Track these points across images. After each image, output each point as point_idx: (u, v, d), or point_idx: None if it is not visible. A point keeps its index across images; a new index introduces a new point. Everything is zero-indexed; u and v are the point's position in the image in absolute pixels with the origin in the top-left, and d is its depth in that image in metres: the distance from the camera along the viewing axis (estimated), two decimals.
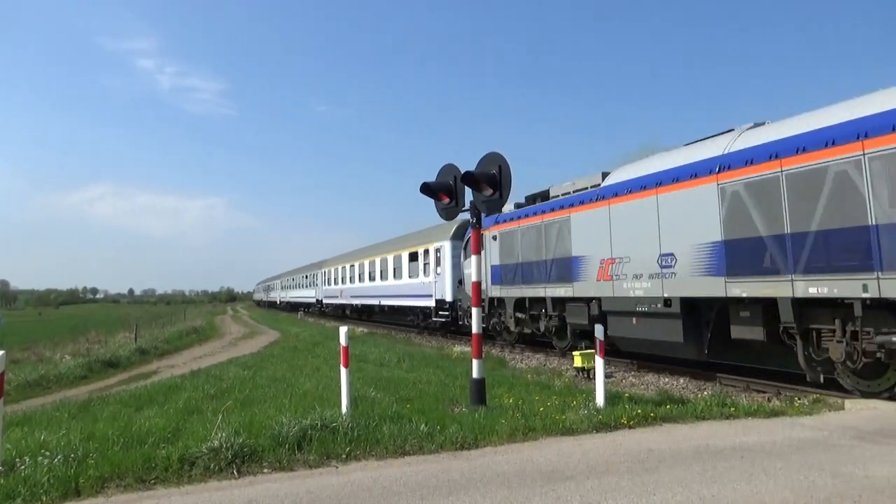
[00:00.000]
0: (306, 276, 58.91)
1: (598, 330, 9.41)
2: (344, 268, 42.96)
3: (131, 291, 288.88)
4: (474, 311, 9.57)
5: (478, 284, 9.63)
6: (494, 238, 19.35)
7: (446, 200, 10.07)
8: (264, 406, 9.38)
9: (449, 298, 24.13)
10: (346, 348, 8.44)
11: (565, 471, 5.97)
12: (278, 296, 79.08)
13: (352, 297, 40.50)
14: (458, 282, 23.14)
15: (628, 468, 6.01)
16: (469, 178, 9.34)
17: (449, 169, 10.10)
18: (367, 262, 36.93)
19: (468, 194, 9.75)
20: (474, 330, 9.49)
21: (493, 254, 19.37)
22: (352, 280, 40.33)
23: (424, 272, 26.89)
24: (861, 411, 8.78)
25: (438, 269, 25.12)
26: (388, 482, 5.71)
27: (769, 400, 10.00)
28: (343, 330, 8.58)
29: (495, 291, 19.21)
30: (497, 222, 19.21)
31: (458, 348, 19.14)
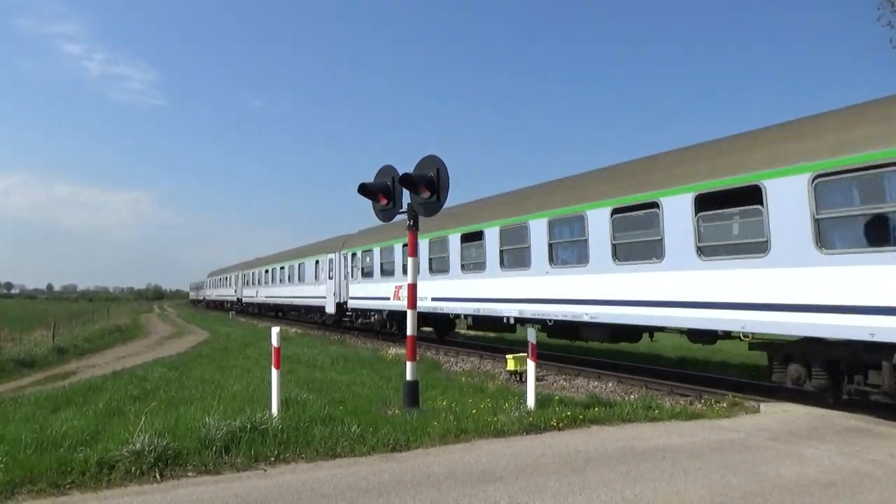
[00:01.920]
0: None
1: (531, 333, 9.58)
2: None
3: (50, 287, 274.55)
4: (409, 313, 9.57)
5: (413, 286, 9.64)
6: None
7: (384, 202, 10.04)
8: (191, 408, 9.08)
9: None
10: (279, 349, 8.30)
11: (495, 472, 6.05)
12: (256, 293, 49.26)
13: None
14: None
15: (556, 469, 6.15)
16: (407, 180, 9.35)
17: (387, 170, 10.07)
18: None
19: (405, 196, 9.77)
20: (409, 332, 9.50)
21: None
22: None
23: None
24: (774, 414, 9.25)
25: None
26: (317, 484, 5.64)
27: (691, 403, 10.41)
28: (275, 330, 8.44)
29: None
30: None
31: (393, 350, 19.09)
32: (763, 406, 9.77)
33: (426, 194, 9.35)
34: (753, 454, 6.78)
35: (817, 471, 6.11)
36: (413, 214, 9.67)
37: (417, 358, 9.53)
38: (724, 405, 9.93)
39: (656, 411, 9.07)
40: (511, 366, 13.39)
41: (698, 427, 8.30)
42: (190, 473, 6.03)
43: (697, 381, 12.63)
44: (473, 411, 8.60)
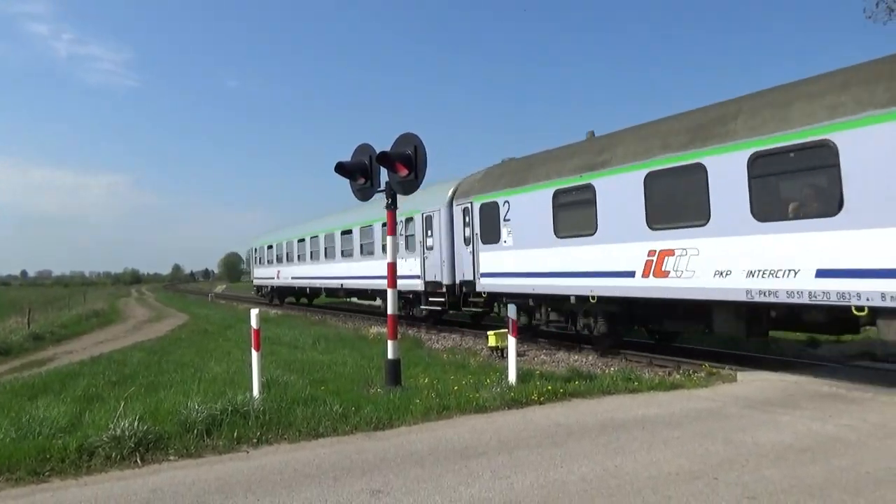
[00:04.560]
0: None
1: (511, 310, 9.63)
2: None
3: (24, 273, 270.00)
4: (390, 292, 9.56)
5: (393, 265, 9.62)
6: None
7: (361, 181, 9.96)
8: (171, 392, 9.04)
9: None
10: (258, 331, 8.25)
11: (477, 447, 6.10)
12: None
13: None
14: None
15: (538, 442, 6.22)
16: (384, 159, 9.27)
17: (363, 148, 9.98)
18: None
19: (384, 175, 9.70)
20: (389, 311, 9.50)
21: None
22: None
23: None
24: (752, 382, 9.42)
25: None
26: (300, 465, 5.65)
27: (669, 374, 10.55)
28: (254, 312, 8.38)
29: None
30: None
31: (375, 329, 19.10)
32: (740, 375, 9.94)
33: (404, 172, 9.28)
34: (730, 422, 6.91)
35: (793, 437, 6.25)
36: (391, 193, 9.61)
37: (399, 336, 9.55)
38: (702, 375, 10.09)
39: (635, 383, 9.19)
40: (492, 342, 13.44)
41: (677, 397, 8.43)
42: (171, 458, 6.01)
43: (676, 352, 12.80)
44: (455, 388, 8.65)
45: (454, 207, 17.11)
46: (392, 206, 9.67)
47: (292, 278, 32.08)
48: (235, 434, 6.50)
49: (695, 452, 5.78)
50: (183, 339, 19.59)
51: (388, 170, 9.45)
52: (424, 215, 18.36)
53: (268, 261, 36.54)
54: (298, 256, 30.87)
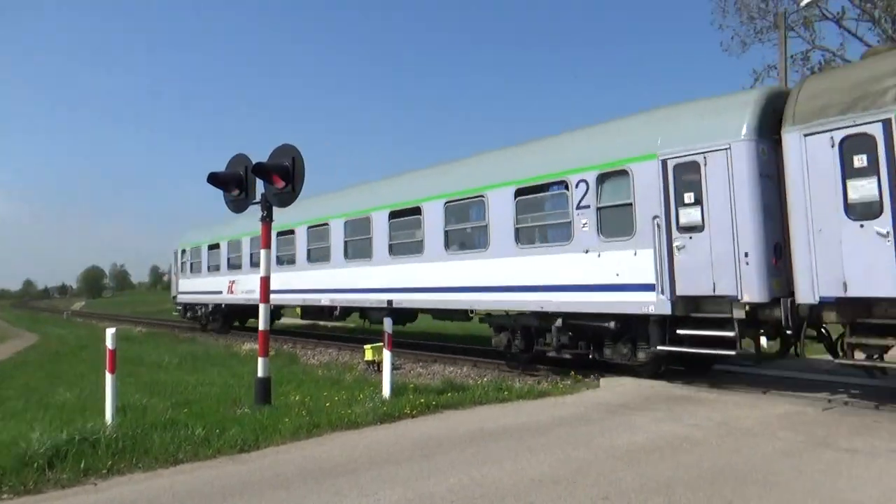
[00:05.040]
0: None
1: (387, 323, 9.62)
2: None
3: None
4: (262, 307, 9.26)
5: (266, 279, 9.32)
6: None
7: (236, 192, 9.66)
8: (10, 422, 8.22)
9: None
10: (113, 352, 7.71)
11: (347, 465, 6.02)
12: None
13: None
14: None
15: (408, 456, 6.22)
16: (260, 170, 9.06)
17: (239, 159, 9.71)
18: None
19: (260, 187, 9.46)
20: (261, 327, 9.19)
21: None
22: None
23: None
24: (613, 388, 9.97)
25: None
26: (154, 494, 5.30)
27: (538, 383, 10.96)
28: (110, 331, 7.82)
29: None
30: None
31: (248, 346, 18.38)
32: (603, 381, 10.49)
33: (281, 184, 9.08)
34: (592, 427, 7.27)
35: (645, 438, 6.68)
36: (266, 205, 9.36)
37: (272, 352, 9.26)
38: (569, 382, 10.55)
39: (506, 392, 9.44)
40: (369, 356, 13.36)
41: (544, 405, 8.76)
42: (5, 496, 5.43)
43: (548, 360, 13.28)
44: (328, 405, 8.49)
45: (792, 140, 8.64)
46: (268, 219, 9.41)
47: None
48: (83, 465, 5.99)
49: (558, 458, 6.02)
50: (30, 361, 17.93)
51: (264, 181, 9.21)
52: (672, 163, 9.71)
53: (210, 267, 25.49)
54: (288, 259, 19.82)
